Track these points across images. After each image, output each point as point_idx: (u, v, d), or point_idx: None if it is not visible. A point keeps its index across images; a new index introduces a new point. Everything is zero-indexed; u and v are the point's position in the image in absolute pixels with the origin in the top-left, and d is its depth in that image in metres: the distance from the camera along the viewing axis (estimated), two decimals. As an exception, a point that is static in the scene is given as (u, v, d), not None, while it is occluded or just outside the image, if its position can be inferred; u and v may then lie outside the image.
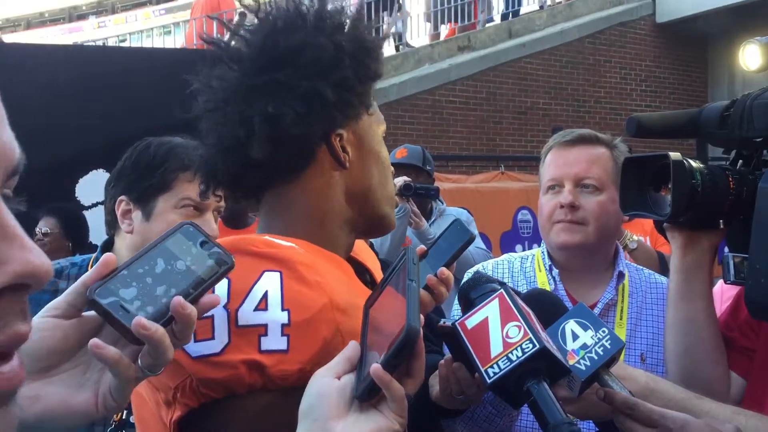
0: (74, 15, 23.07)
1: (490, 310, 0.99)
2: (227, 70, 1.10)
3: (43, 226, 4.19)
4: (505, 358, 0.93)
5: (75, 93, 4.14)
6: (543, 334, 0.97)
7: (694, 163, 1.29)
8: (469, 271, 1.83)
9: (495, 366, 0.93)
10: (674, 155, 1.28)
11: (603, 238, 1.70)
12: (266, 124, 1.04)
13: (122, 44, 13.23)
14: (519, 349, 0.92)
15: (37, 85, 4.11)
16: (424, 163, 3.96)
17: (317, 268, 0.99)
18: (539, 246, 1.85)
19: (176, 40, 13.21)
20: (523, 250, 6.42)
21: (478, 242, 3.85)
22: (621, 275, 1.74)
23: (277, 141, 1.05)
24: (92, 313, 0.78)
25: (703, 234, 1.35)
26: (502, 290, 1.01)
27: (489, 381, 0.93)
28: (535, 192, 1.87)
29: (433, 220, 3.92)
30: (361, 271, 1.18)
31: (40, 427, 0.76)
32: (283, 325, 0.92)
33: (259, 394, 0.92)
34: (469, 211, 4.14)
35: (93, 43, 12.67)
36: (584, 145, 1.74)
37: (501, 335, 0.95)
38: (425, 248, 1.51)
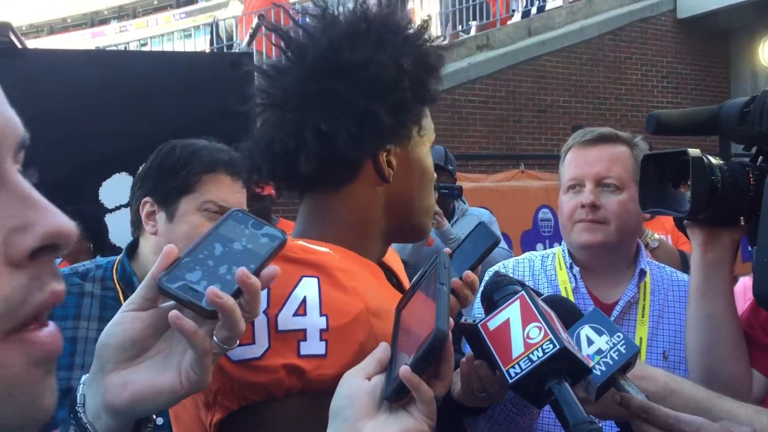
0: (96, 20, 23.33)
1: (511, 312, 1.00)
2: (288, 63, 1.11)
3: (65, 228, 4.25)
4: (526, 358, 0.94)
5: (97, 97, 4.18)
6: (564, 335, 0.98)
7: (713, 160, 1.28)
8: (489, 269, 1.83)
9: (516, 366, 0.94)
10: (693, 152, 1.28)
11: (624, 236, 1.70)
12: (318, 141, 1.06)
13: (143, 48, 13.36)
14: (540, 349, 0.94)
15: (61, 90, 4.16)
16: (446, 162, 3.99)
17: (353, 273, 1.02)
18: (560, 245, 1.85)
19: (196, 44, 13.31)
20: (544, 248, 6.38)
21: (502, 243, 3.87)
22: (642, 273, 1.74)
23: (326, 159, 1.07)
24: (167, 303, 0.84)
25: (723, 231, 1.34)
26: (523, 292, 1.02)
27: (510, 381, 0.94)
28: (555, 190, 1.86)
29: (455, 219, 3.92)
30: (389, 274, 1.20)
31: (131, 411, 0.82)
32: (321, 330, 0.94)
33: (297, 397, 0.94)
34: (490, 211, 4.14)
35: (114, 48, 12.81)
36: (604, 144, 1.74)
37: (522, 336, 0.96)
38: (450, 251, 1.52)
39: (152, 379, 0.81)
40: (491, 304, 1.07)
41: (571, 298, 1.71)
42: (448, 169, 3.99)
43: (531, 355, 0.94)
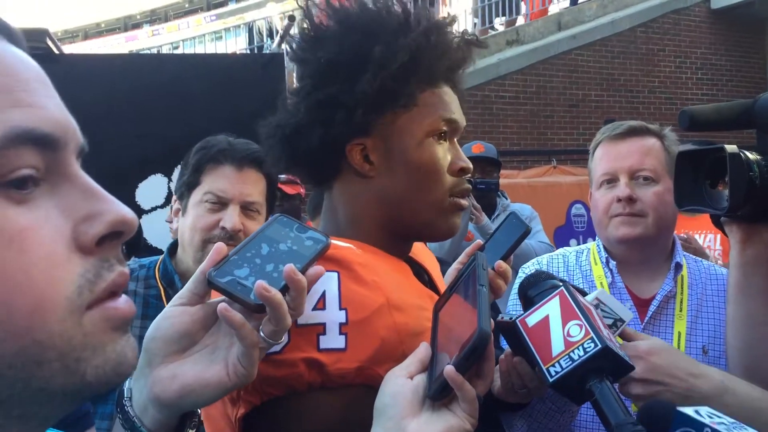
0: (129, 24, 23.68)
1: (550, 308, 0.99)
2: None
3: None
4: (566, 357, 0.93)
5: (132, 100, 4.25)
6: (605, 332, 0.96)
7: (750, 155, 1.26)
8: (524, 265, 1.83)
9: (557, 365, 0.93)
10: (730, 148, 1.25)
11: (662, 228, 1.68)
12: (283, 137, 1.12)
13: (175, 51, 13.53)
14: (581, 348, 0.92)
15: (96, 94, 4.24)
16: (497, 156, 4.10)
17: (374, 267, 1.01)
18: (593, 240, 1.84)
19: (227, 46, 13.44)
20: (578, 244, 6.34)
21: (541, 236, 3.90)
22: (679, 266, 1.72)
23: (292, 158, 1.13)
24: (215, 299, 0.86)
25: (762, 227, 1.31)
26: (562, 288, 1.01)
27: (551, 380, 0.93)
28: (588, 186, 1.85)
29: (496, 215, 3.95)
30: (420, 271, 1.20)
31: (179, 404, 0.83)
32: (341, 324, 0.94)
33: (319, 392, 0.95)
34: (532, 207, 4.15)
35: (147, 51, 13.00)
36: (635, 137, 1.72)
37: (562, 334, 0.95)
38: (482, 242, 1.52)
39: (200, 372, 0.83)
40: (528, 300, 1.06)
41: (608, 292, 1.69)
42: (498, 163, 4.09)
43: (572, 354, 0.92)
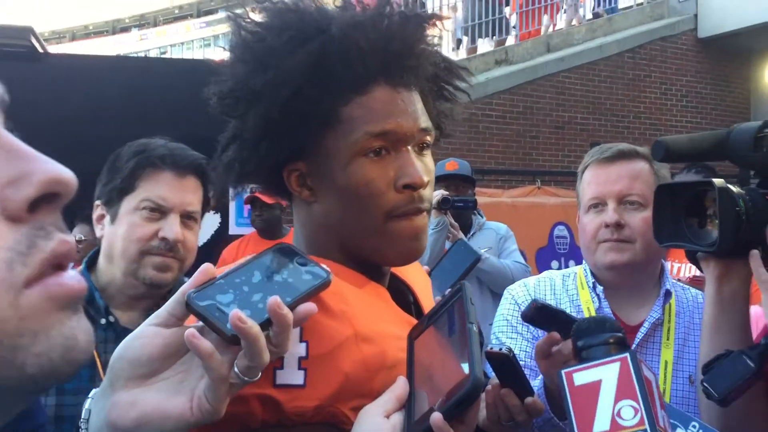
0: (118, 27, 23.56)
1: (606, 373, 0.86)
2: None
3: (78, 232, 4.25)
4: None
5: (117, 103, 4.20)
6: (661, 418, 0.84)
7: (734, 189, 1.23)
8: (510, 287, 1.79)
9: None
10: (718, 182, 1.22)
11: (650, 254, 1.65)
12: (225, 164, 1.06)
13: (163, 56, 13.45)
14: None
15: (80, 95, 4.18)
16: (471, 173, 4.02)
17: (343, 295, 0.93)
18: (575, 262, 1.81)
19: (216, 53, 13.40)
20: (559, 266, 6.35)
21: (516, 256, 3.85)
22: (668, 294, 1.69)
23: (240, 180, 1.06)
24: (195, 324, 0.80)
25: (739, 262, 1.26)
26: (627, 355, 0.87)
27: None
28: (572, 207, 1.83)
29: (472, 233, 3.91)
30: (404, 290, 1.12)
31: None
32: (300, 358, 0.87)
33: (274, 430, 0.88)
34: (507, 226, 4.11)
35: (135, 55, 12.92)
36: (624, 161, 1.69)
37: (612, 410, 0.82)
38: (429, 269, 1.47)
39: (162, 402, 0.76)
40: (580, 349, 0.93)
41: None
42: (474, 181, 4.02)
43: None
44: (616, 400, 0.82)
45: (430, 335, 0.91)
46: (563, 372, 0.88)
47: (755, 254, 1.20)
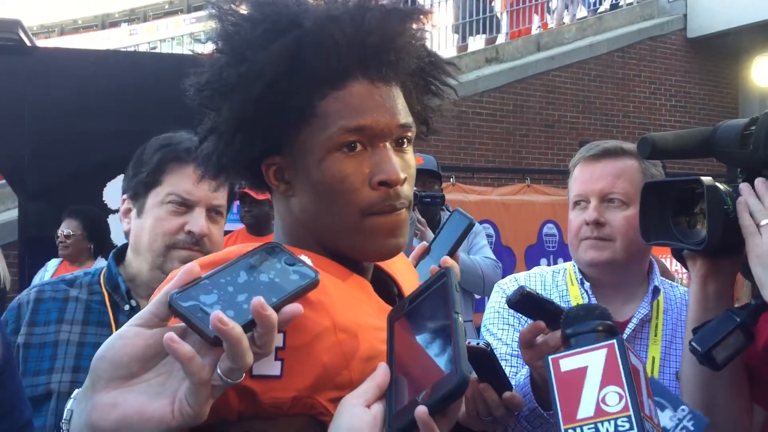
0: (107, 22, 23.43)
1: (593, 360, 0.85)
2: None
3: (66, 227, 4.22)
4: (592, 426, 0.80)
5: (105, 97, 4.17)
6: (647, 406, 0.83)
7: (721, 187, 1.22)
8: (501, 281, 1.79)
9: (578, 430, 0.80)
10: (707, 180, 1.21)
11: (632, 253, 1.65)
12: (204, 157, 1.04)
13: (152, 51, 13.38)
14: (612, 423, 0.79)
15: (68, 89, 4.15)
16: (438, 169, 3.97)
17: (323, 284, 0.91)
18: (564, 260, 1.82)
19: (206, 48, 13.31)
20: (549, 264, 6.36)
21: (487, 252, 3.78)
22: (656, 290, 1.70)
23: (218, 173, 1.04)
24: (177, 325, 0.78)
25: (725, 261, 1.27)
26: (614, 341, 0.85)
27: None
28: (561, 206, 1.84)
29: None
30: (388, 281, 1.11)
31: None
32: (277, 349, 0.85)
33: (251, 421, 0.86)
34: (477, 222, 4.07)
35: (124, 50, 12.83)
36: (610, 159, 1.69)
37: (597, 396, 0.81)
38: (427, 245, 1.46)
39: (143, 404, 0.75)
40: (569, 336, 0.92)
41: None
42: (441, 177, 3.96)
43: (599, 426, 0.79)
44: (602, 386, 0.82)
45: (411, 319, 0.89)
46: (550, 358, 0.87)
47: (741, 200, 1.19)
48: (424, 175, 3.79)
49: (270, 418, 0.86)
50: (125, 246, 1.74)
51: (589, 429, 0.79)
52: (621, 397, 0.80)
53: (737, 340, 1.17)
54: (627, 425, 0.78)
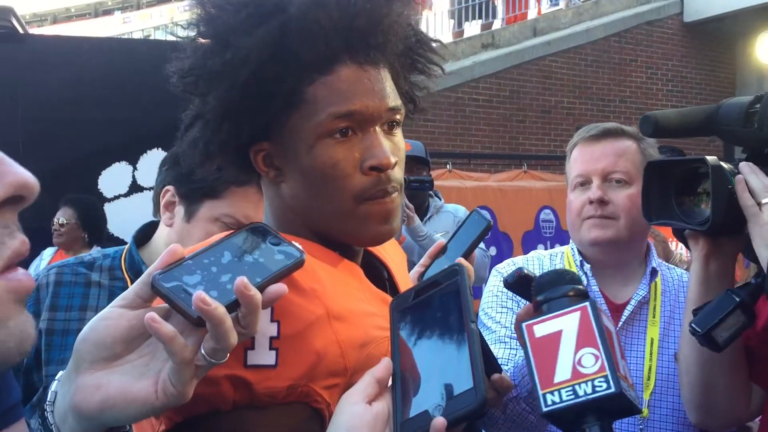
0: (100, 10, 23.31)
1: (567, 323, 0.84)
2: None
3: (61, 216, 4.21)
4: (570, 389, 0.79)
5: (99, 85, 4.14)
6: (621, 366, 0.82)
7: (725, 166, 1.21)
8: (498, 266, 1.79)
9: (556, 394, 0.80)
10: (712, 160, 1.20)
11: (635, 232, 1.66)
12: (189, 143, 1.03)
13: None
14: (590, 384, 0.79)
15: (62, 77, 4.12)
16: (426, 155, 3.94)
17: (314, 273, 0.91)
18: (561, 246, 1.82)
19: (189, 33, 13.26)
20: (546, 249, 6.37)
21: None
22: (654, 272, 1.70)
23: (205, 161, 1.03)
24: (161, 305, 0.78)
25: (726, 240, 1.26)
26: (587, 304, 0.85)
27: (544, 409, 0.80)
28: (558, 191, 1.84)
29: (429, 216, 3.83)
30: (378, 266, 1.11)
31: (99, 418, 0.75)
32: (271, 338, 0.85)
33: (245, 410, 0.86)
34: (466, 209, 4.05)
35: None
36: (610, 139, 1.70)
37: (572, 359, 0.81)
38: (444, 243, 1.47)
39: (126, 385, 0.74)
40: (541, 302, 0.92)
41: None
42: (429, 163, 3.92)
43: (577, 388, 0.79)
44: (577, 348, 0.81)
45: (417, 313, 0.88)
46: (524, 324, 0.86)
47: (740, 179, 1.18)
48: (411, 162, 3.75)
49: (264, 407, 0.85)
50: (145, 227, 1.70)
51: (566, 392, 0.79)
52: (597, 358, 0.80)
53: (738, 320, 1.17)
54: (604, 385, 0.78)
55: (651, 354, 1.60)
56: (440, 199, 3.97)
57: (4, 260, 0.51)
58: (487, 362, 1.24)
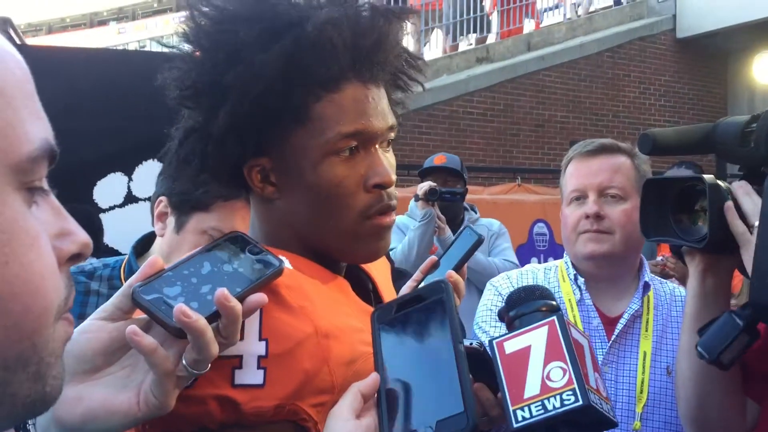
0: (95, 21, 23.32)
1: (535, 338, 0.84)
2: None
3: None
4: (539, 404, 0.79)
5: (95, 95, 4.14)
6: (592, 378, 0.82)
7: (722, 184, 1.23)
8: (493, 279, 1.80)
9: (526, 409, 0.79)
10: (709, 178, 1.22)
11: (629, 247, 1.68)
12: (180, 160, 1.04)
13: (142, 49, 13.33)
14: (558, 398, 0.78)
15: (58, 87, 4.12)
16: (461, 168, 3.95)
17: (303, 290, 0.91)
18: (554, 259, 1.84)
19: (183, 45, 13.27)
20: (539, 263, 6.39)
21: (509, 254, 3.76)
22: (647, 286, 1.72)
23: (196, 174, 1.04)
24: (141, 317, 0.79)
25: (723, 256, 1.28)
26: (554, 317, 0.85)
27: (515, 425, 0.80)
28: (551, 205, 1.86)
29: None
30: (363, 278, 1.11)
31: (84, 429, 0.75)
32: (260, 357, 0.85)
33: (232, 430, 0.86)
34: (501, 223, 4.04)
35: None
36: (605, 155, 1.73)
37: (541, 373, 0.81)
38: (436, 259, 1.47)
39: (108, 397, 0.75)
40: (512, 318, 0.92)
41: (576, 311, 1.68)
42: (464, 176, 3.92)
43: (546, 402, 0.79)
44: (545, 363, 0.82)
45: (400, 327, 0.86)
46: (494, 342, 0.86)
47: (729, 206, 1.19)
48: (445, 174, 3.79)
49: (252, 426, 0.85)
50: (144, 237, 1.72)
51: (536, 407, 0.79)
52: (564, 371, 0.80)
53: (742, 342, 1.19)
54: (572, 398, 0.78)
55: (644, 367, 1.62)
56: (476, 213, 3.97)
57: (66, 307, 0.54)
58: (493, 379, 1.24)
